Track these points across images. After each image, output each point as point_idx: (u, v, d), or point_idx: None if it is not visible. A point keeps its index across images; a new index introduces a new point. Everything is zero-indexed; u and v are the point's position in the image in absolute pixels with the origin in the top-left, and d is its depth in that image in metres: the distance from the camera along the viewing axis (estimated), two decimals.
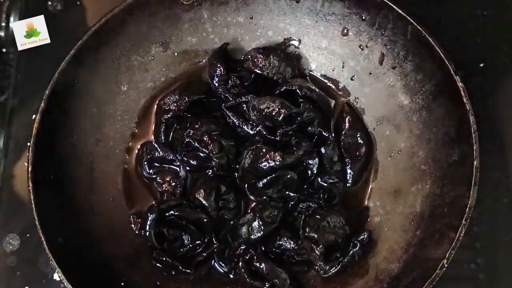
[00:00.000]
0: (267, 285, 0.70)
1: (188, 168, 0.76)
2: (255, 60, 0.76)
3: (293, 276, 0.71)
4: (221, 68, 0.77)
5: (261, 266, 0.69)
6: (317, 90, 0.77)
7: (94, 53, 0.75)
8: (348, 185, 0.77)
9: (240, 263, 0.70)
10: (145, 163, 0.77)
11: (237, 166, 0.75)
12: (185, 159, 0.75)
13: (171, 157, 0.76)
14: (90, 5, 0.93)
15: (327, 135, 0.75)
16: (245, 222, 0.71)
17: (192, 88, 0.78)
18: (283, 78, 0.77)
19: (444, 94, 0.71)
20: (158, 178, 0.77)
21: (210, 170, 0.75)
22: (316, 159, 0.73)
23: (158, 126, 0.79)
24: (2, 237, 0.81)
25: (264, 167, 0.71)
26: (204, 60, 0.82)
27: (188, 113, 0.78)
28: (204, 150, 0.73)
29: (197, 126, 0.74)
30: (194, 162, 0.75)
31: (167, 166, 0.77)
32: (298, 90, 0.74)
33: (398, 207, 0.74)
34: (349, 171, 0.77)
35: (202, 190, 0.73)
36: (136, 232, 0.75)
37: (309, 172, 0.74)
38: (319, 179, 0.76)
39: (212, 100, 0.79)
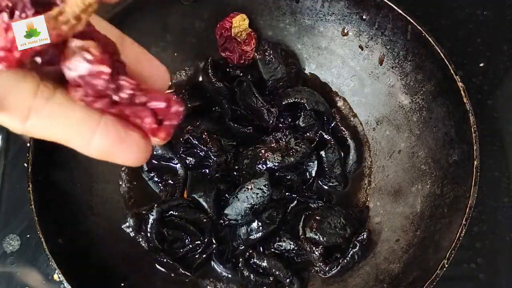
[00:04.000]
0: (271, 279, 0.70)
1: (186, 166, 0.76)
2: (266, 54, 0.77)
3: (294, 269, 0.72)
4: (221, 87, 0.77)
5: (263, 262, 0.69)
6: (324, 102, 0.77)
7: None
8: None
9: (241, 262, 0.70)
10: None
11: (236, 166, 0.75)
12: (183, 156, 0.75)
13: (170, 155, 0.76)
14: None
15: (328, 138, 0.75)
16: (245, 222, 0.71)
17: (195, 93, 0.78)
18: (278, 79, 0.77)
19: (444, 94, 0.71)
20: (156, 177, 0.77)
21: (208, 169, 0.75)
22: (315, 162, 0.73)
23: None
24: (2, 237, 0.81)
25: (263, 168, 0.72)
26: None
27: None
28: (203, 147, 0.73)
29: (197, 123, 0.74)
30: (192, 160, 0.75)
31: (165, 164, 0.77)
32: (306, 104, 0.74)
33: (398, 207, 0.74)
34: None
35: (201, 191, 0.73)
36: (132, 234, 0.75)
37: (308, 174, 0.74)
38: (319, 182, 0.76)
39: (213, 105, 0.80)
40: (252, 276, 0.70)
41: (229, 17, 0.77)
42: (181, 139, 0.75)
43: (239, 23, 0.76)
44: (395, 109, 0.77)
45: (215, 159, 0.73)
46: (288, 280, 0.70)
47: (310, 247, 0.69)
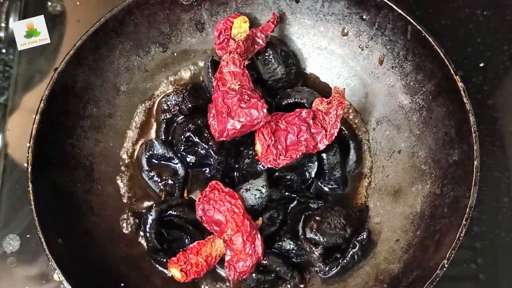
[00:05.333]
0: (272, 276, 0.70)
1: (186, 164, 0.76)
2: (265, 54, 0.77)
3: (294, 265, 0.72)
4: None
5: (263, 260, 0.69)
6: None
7: (94, 54, 0.75)
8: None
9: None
10: (145, 160, 0.77)
11: (236, 166, 0.75)
12: (184, 154, 0.75)
13: (170, 155, 0.76)
14: (90, 5, 0.93)
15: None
16: None
17: (196, 93, 0.78)
18: (278, 79, 0.77)
19: (444, 94, 0.71)
20: (156, 176, 0.77)
21: (208, 168, 0.75)
22: (316, 163, 0.73)
23: (159, 125, 0.80)
24: (2, 237, 0.81)
25: (263, 168, 0.72)
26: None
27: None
28: (204, 145, 0.73)
29: (199, 122, 0.74)
30: (193, 158, 0.75)
31: (165, 163, 0.77)
32: (306, 104, 0.74)
33: (398, 207, 0.74)
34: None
35: (198, 191, 0.73)
36: (132, 234, 0.75)
37: (307, 174, 0.74)
38: (318, 183, 0.76)
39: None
40: (254, 275, 0.70)
41: (231, 16, 0.77)
42: (182, 137, 0.74)
43: (240, 24, 0.76)
44: (395, 109, 0.77)
45: (216, 157, 0.73)
46: (288, 275, 0.70)
47: (310, 247, 0.69)
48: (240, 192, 0.70)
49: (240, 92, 0.68)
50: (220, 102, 0.68)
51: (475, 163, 0.65)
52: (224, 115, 0.67)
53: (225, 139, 0.69)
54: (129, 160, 0.79)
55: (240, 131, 0.68)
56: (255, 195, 0.70)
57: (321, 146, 0.70)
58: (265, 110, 0.67)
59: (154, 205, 0.72)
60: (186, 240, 0.73)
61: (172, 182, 0.76)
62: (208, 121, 0.72)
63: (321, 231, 0.69)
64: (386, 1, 0.72)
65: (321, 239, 0.69)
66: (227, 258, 0.67)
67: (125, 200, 0.77)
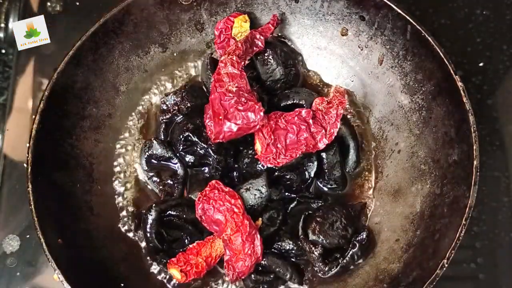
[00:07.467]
0: (271, 276, 0.70)
1: (185, 164, 0.76)
2: (265, 54, 0.76)
3: (294, 265, 0.72)
4: None
5: (262, 260, 0.69)
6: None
7: (93, 54, 0.75)
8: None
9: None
10: (144, 160, 0.77)
11: (236, 165, 0.75)
12: (183, 154, 0.75)
13: (169, 155, 0.76)
14: (89, 5, 0.93)
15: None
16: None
17: (195, 93, 0.78)
18: (276, 80, 0.77)
19: (444, 93, 0.71)
20: (156, 176, 0.77)
21: (207, 168, 0.75)
22: (315, 162, 0.73)
23: (158, 125, 0.79)
24: (2, 237, 0.81)
25: (263, 167, 0.72)
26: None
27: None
28: (203, 145, 0.73)
29: (197, 121, 0.74)
30: (191, 158, 0.75)
31: (165, 164, 0.77)
32: (304, 105, 0.74)
33: (398, 207, 0.74)
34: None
35: (199, 191, 0.72)
36: (131, 234, 0.75)
37: (307, 174, 0.74)
38: (318, 183, 0.76)
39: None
40: (252, 275, 0.70)
41: (232, 15, 0.77)
42: (181, 137, 0.74)
43: (240, 23, 0.77)
44: (394, 109, 0.77)
45: (214, 156, 0.73)
46: (288, 276, 0.70)
47: (309, 247, 0.69)
48: (240, 192, 0.70)
49: (238, 94, 0.68)
50: (217, 103, 0.68)
51: (475, 162, 0.65)
52: (221, 117, 0.67)
53: (221, 141, 0.69)
54: (128, 160, 0.79)
55: (236, 133, 0.68)
56: (255, 195, 0.70)
57: (321, 146, 0.70)
58: (262, 114, 0.67)
59: (154, 205, 0.72)
60: (186, 240, 0.73)
61: (171, 182, 0.76)
62: (204, 121, 0.72)
63: (324, 233, 0.69)
64: (386, 0, 0.71)
65: (324, 241, 0.69)
66: (226, 258, 0.67)
67: (124, 201, 0.77)
